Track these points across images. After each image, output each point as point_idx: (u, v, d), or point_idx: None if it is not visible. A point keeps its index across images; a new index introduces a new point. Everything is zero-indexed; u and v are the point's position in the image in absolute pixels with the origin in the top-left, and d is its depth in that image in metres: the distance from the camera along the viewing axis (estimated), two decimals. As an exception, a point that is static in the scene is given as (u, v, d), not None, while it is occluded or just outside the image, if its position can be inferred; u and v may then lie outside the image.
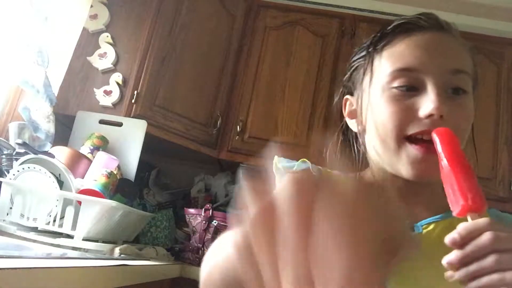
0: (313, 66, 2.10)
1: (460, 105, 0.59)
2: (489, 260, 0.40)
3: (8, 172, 1.31)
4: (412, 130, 0.57)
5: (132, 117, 1.74)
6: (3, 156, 1.37)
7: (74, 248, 1.21)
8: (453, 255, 0.42)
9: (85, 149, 1.60)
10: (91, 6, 1.86)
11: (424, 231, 0.60)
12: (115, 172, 1.47)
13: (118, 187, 1.48)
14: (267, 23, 2.19)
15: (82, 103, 1.78)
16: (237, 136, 2.02)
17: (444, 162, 0.50)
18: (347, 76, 0.71)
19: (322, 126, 2.04)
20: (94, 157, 1.56)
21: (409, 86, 0.59)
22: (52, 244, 1.19)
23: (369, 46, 0.66)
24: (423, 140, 0.57)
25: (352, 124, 0.69)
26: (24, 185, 1.26)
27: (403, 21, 0.63)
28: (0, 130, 1.57)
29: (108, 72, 1.80)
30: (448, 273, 0.43)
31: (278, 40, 2.16)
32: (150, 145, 1.77)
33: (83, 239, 1.24)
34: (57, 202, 1.26)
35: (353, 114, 0.69)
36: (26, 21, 1.51)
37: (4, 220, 1.25)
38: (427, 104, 0.57)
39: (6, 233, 1.19)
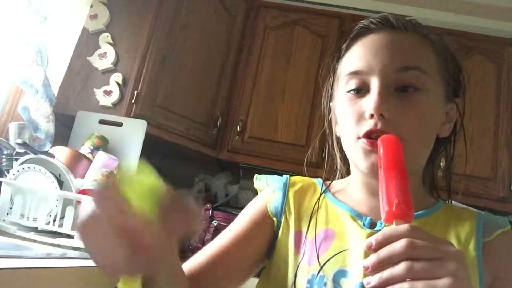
0: (313, 66, 2.10)
1: (409, 103, 0.57)
2: (401, 267, 0.38)
3: (8, 172, 1.31)
4: (361, 131, 0.57)
5: (132, 117, 1.74)
6: (3, 156, 1.37)
7: (74, 248, 1.21)
8: (368, 260, 0.41)
9: (85, 149, 1.60)
10: (91, 6, 1.86)
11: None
12: (115, 172, 1.47)
13: (118, 187, 1.47)
14: (267, 23, 2.19)
15: (82, 103, 1.78)
16: (237, 136, 2.02)
17: (380, 169, 0.50)
18: (324, 83, 0.74)
19: (322, 126, 2.03)
20: (94, 157, 1.55)
21: (358, 89, 0.60)
22: (52, 244, 1.18)
23: (334, 55, 0.69)
24: (376, 137, 0.57)
25: (336, 130, 0.71)
26: (24, 185, 1.26)
27: (358, 25, 0.65)
28: (0, 130, 1.57)
29: (108, 72, 1.80)
30: (365, 279, 0.41)
31: (278, 40, 2.16)
32: (150, 145, 1.77)
33: (83, 239, 1.24)
34: (57, 202, 1.26)
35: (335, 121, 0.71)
36: (25, 20, 1.51)
37: (4, 220, 1.25)
38: (368, 105, 0.57)
39: (6, 233, 1.19)
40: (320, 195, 0.66)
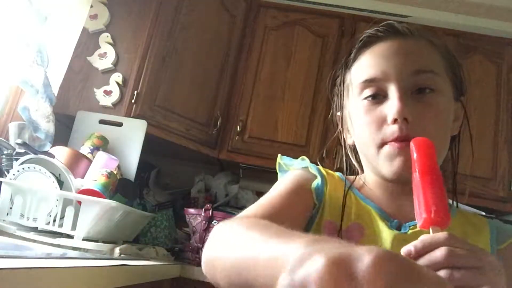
0: (313, 66, 2.10)
1: (428, 104, 0.59)
2: (441, 275, 0.38)
3: (8, 172, 1.31)
4: (386, 137, 0.58)
5: (132, 117, 1.74)
6: (3, 156, 1.37)
7: (74, 248, 1.21)
8: None
9: (85, 149, 1.60)
10: (91, 6, 1.85)
11: (410, 231, 0.60)
12: (115, 172, 1.47)
13: (118, 187, 1.47)
14: (267, 23, 2.19)
15: (82, 103, 1.78)
16: (237, 136, 2.02)
17: (415, 173, 0.50)
18: (333, 93, 0.74)
19: (322, 126, 2.04)
20: (94, 157, 1.56)
21: (375, 95, 0.61)
22: (52, 244, 1.19)
23: (342, 65, 0.69)
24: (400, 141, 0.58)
25: (348, 138, 0.71)
26: (24, 185, 1.26)
27: (365, 35, 0.66)
28: (0, 130, 1.57)
29: (108, 72, 1.80)
30: None
31: (278, 40, 2.16)
32: (150, 145, 1.77)
33: (83, 239, 1.24)
34: (57, 202, 1.26)
35: (346, 129, 0.71)
36: (25, 20, 1.51)
37: (4, 220, 1.25)
38: (390, 110, 0.58)
39: (6, 233, 1.19)
40: (349, 188, 0.67)
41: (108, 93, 1.77)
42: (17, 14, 1.49)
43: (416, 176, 0.50)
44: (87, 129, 1.70)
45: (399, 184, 0.62)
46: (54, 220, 1.25)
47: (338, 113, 0.72)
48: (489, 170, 2.02)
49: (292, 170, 0.70)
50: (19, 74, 1.48)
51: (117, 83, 1.78)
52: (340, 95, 0.71)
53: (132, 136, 1.71)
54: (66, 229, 1.24)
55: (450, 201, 0.69)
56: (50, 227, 1.25)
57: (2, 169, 1.35)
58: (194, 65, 1.95)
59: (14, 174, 1.28)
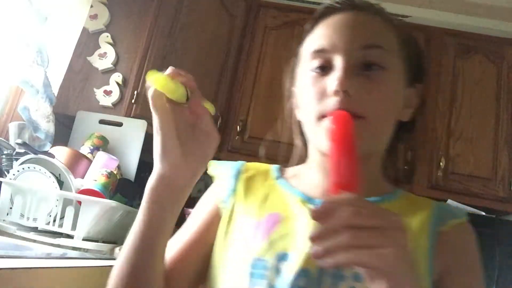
0: (313, 66, 2.10)
1: (373, 80, 0.57)
2: (345, 235, 0.38)
3: (8, 172, 1.31)
4: (324, 108, 0.56)
5: (132, 117, 1.74)
6: (3, 156, 1.37)
7: (74, 248, 1.21)
8: (314, 230, 0.40)
9: (85, 149, 1.60)
10: (91, 6, 1.86)
11: None
12: (115, 172, 1.47)
13: (118, 187, 1.47)
14: (267, 23, 2.19)
15: (82, 103, 1.78)
16: (237, 136, 2.02)
17: (329, 143, 0.51)
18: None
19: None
20: (94, 157, 1.56)
21: (322, 67, 0.59)
22: (52, 244, 1.19)
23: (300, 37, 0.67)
24: None
25: (297, 113, 0.69)
26: (24, 185, 1.26)
27: (323, 6, 0.64)
28: (0, 130, 1.57)
29: (108, 72, 1.80)
30: (312, 249, 0.40)
31: (278, 40, 2.16)
32: (150, 145, 1.76)
33: (83, 239, 1.24)
34: (57, 202, 1.26)
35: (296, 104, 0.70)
36: (25, 20, 1.51)
37: (4, 220, 1.25)
38: (332, 81, 0.56)
39: (6, 233, 1.19)
40: (272, 180, 0.66)
41: (108, 93, 1.77)
42: (17, 14, 1.49)
43: (330, 146, 0.50)
44: (87, 129, 1.70)
45: None
46: (54, 220, 1.25)
47: (293, 88, 0.71)
48: (489, 170, 2.02)
49: (211, 186, 0.71)
50: (19, 74, 1.48)
51: (117, 83, 1.78)
52: (294, 67, 0.69)
53: (132, 136, 1.71)
54: (66, 229, 1.24)
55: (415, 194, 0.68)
56: (50, 227, 1.25)
57: (2, 169, 1.35)
58: (194, 65, 1.95)
59: (14, 174, 1.28)
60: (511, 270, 1.78)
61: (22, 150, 1.37)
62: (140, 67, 1.80)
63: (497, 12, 2.22)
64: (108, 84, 1.78)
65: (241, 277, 0.55)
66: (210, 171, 0.71)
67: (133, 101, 1.75)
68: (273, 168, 0.71)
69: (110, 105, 1.76)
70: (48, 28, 1.61)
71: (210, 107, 0.55)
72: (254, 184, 0.66)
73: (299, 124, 0.69)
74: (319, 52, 0.59)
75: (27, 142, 1.45)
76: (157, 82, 0.49)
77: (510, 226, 1.84)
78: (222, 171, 0.70)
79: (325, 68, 0.59)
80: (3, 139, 1.42)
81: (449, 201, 1.91)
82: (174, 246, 0.62)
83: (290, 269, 0.54)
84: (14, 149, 1.40)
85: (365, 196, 0.59)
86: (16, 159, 1.33)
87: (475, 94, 2.13)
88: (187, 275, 0.62)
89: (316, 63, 0.59)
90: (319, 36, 0.61)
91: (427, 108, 2.14)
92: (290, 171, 0.70)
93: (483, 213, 1.89)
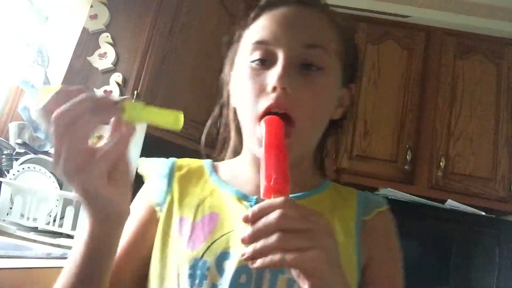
0: (313, 66, 2.10)
1: (311, 81, 0.57)
2: (273, 238, 0.39)
3: (8, 172, 1.31)
4: (261, 106, 0.56)
5: (132, 117, 1.74)
6: (3, 156, 1.37)
7: (74, 248, 1.21)
8: (245, 232, 0.41)
9: (85, 149, 1.60)
10: (91, 6, 1.85)
11: None
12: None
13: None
14: (267, 23, 2.19)
15: (82, 103, 1.78)
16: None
17: (262, 148, 0.51)
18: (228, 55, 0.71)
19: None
20: (94, 157, 1.55)
21: (262, 59, 0.58)
22: (52, 244, 1.19)
23: (241, 24, 0.66)
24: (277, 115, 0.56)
25: (232, 103, 0.68)
26: (24, 185, 1.26)
27: None
28: (0, 130, 1.57)
29: (108, 72, 1.80)
30: (242, 251, 0.41)
31: (278, 40, 2.16)
32: (150, 145, 1.77)
33: (83, 239, 1.24)
34: (57, 202, 1.26)
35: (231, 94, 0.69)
36: (26, 21, 1.51)
37: (4, 220, 1.25)
38: (272, 77, 0.55)
39: (6, 233, 1.19)
40: (208, 178, 0.66)
41: (108, 93, 1.77)
42: (18, 14, 1.49)
43: (262, 150, 0.51)
44: (87, 129, 1.69)
45: None
46: (54, 220, 1.25)
47: (227, 76, 0.70)
48: (489, 170, 2.02)
49: (144, 186, 0.68)
50: (19, 74, 1.48)
51: (117, 83, 1.78)
52: (234, 53, 0.67)
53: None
54: (66, 229, 1.24)
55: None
56: (50, 227, 1.25)
57: (2, 169, 1.35)
58: (194, 65, 1.95)
59: (14, 174, 1.28)
60: (511, 270, 1.77)
61: (22, 150, 1.37)
62: (140, 67, 1.79)
63: (497, 12, 2.22)
64: (108, 84, 1.78)
65: (181, 279, 0.55)
66: (140, 170, 0.69)
67: (133, 101, 1.75)
68: (206, 164, 0.70)
69: (110, 105, 1.76)
70: (49, 28, 1.61)
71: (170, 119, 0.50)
72: (189, 183, 0.65)
73: (234, 111, 0.68)
74: (260, 44, 0.59)
75: (27, 142, 1.45)
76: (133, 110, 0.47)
77: (510, 226, 1.84)
78: (153, 170, 0.68)
79: (265, 62, 0.58)
80: (3, 139, 1.42)
81: (449, 201, 1.91)
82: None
83: (232, 266, 0.54)
84: (14, 149, 1.40)
85: (297, 191, 0.60)
86: (16, 159, 1.33)
87: (475, 94, 2.13)
88: (127, 281, 0.60)
89: (257, 55, 0.58)
90: (262, 28, 0.60)
91: (427, 108, 2.14)
92: (224, 165, 0.69)
93: (483, 213, 1.89)
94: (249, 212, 0.41)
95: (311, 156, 0.66)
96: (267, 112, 0.55)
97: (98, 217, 0.48)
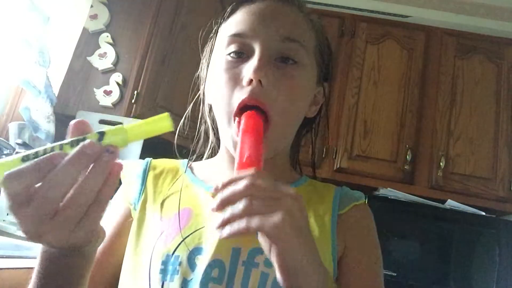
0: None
1: (287, 74, 0.57)
2: (240, 205, 0.39)
3: (8, 172, 1.31)
4: (236, 100, 0.55)
5: (132, 117, 1.74)
6: (3, 156, 1.37)
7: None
8: (214, 202, 0.41)
9: (85, 149, 1.60)
10: (91, 6, 1.86)
11: None
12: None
13: (118, 187, 1.47)
14: (267, 23, 2.19)
15: (82, 103, 1.78)
16: (237, 136, 2.02)
17: (238, 135, 0.52)
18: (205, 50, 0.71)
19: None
20: (94, 157, 1.55)
21: (239, 52, 0.58)
22: (52, 244, 1.18)
23: (218, 17, 0.67)
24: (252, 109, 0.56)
25: (208, 100, 0.68)
26: (24, 185, 1.26)
27: None
28: (0, 130, 1.57)
29: (108, 72, 1.80)
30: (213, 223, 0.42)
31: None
32: (150, 145, 1.77)
33: (83, 239, 1.24)
34: (57, 202, 1.26)
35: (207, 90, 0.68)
36: (28, 21, 1.51)
37: (4, 220, 1.25)
38: (247, 70, 0.55)
39: (6, 233, 1.19)
40: (182, 176, 0.66)
41: (108, 93, 1.77)
42: (20, 14, 1.49)
43: (238, 137, 0.51)
44: (87, 129, 1.69)
45: None
46: (54, 220, 1.25)
47: (203, 72, 0.69)
48: (489, 170, 2.02)
49: (120, 188, 0.67)
50: (21, 74, 1.48)
51: (117, 83, 1.78)
52: (211, 49, 0.67)
53: (132, 136, 1.71)
54: (66, 229, 1.24)
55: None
56: (50, 227, 1.25)
57: (2, 169, 1.35)
58: (194, 65, 1.95)
59: (14, 174, 1.28)
60: (511, 270, 1.77)
61: (22, 150, 1.37)
62: (140, 67, 1.80)
63: (497, 12, 2.22)
64: (108, 84, 1.78)
65: (152, 275, 0.55)
66: None
67: (133, 101, 1.75)
68: (182, 164, 0.70)
69: (110, 105, 1.76)
70: (50, 29, 1.61)
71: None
72: (163, 181, 0.65)
73: (210, 108, 0.68)
74: (237, 37, 0.59)
75: (27, 142, 1.45)
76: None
77: (510, 226, 1.84)
78: (128, 171, 0.67)
79: (241, 55, 0.58)
80: (3, 139, 1.42)
81: (449, 201, 1.91)
82: None
83: (204, 261, 0.54)
84: (14, 149, 1.40)
85: None
86: (16, 159, 1.33)
87: (475, 94, 2.13)
88: (101, 283, 0.60)
89: (233, 47, 0.58)
90: (240, 21, 0.60)
91: (427, 108, 2.14)
92: (200, 165, 0.70)
93: (483, 213, 1.89)
94: (219, 183, 0.41)
95: (286, 152, 0.67)
96: (242, 106, 0.55)
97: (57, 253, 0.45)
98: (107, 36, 1.82)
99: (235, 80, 0.57)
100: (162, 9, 1.88)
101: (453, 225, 1.84)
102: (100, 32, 1.84)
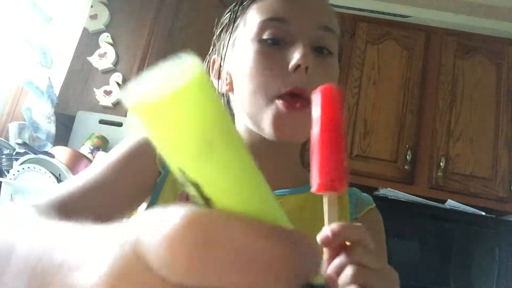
0: (313, 66, 2.10)
1: (325, 64, 0.55)
2: (348, 272, 0.38)
3: (8, 172, 1.31)
4: (281, 88, 0.52)
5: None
6: (3, 156, 1.37)
7: (74, 248, 1.21)
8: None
9: (85, 149, 1.60)
10: (91, 6, 1.86)
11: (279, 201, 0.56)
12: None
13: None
14: (267, 23, 2.19)
15: (82, 103, 1.78)
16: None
17: (316, 129, 0.42)
18: (216, 35, 0.68)
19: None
20: (94, 157, 1.56)
21: (277, 39, 0.54)
22: (52, 244, 1.18)
23: (239, 2, 0.63)
24: (295, 96, 0.53)
25: (219, 85, 0.64)
26: (24, 185, 1.26)
27: None
28: (0, 130, 1.57)
29: (108, 72, 1.80)
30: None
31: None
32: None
33: (83, 239, 1.24)
34: (57, 202, 1.26)
35: (219, 74, 0.64)
36: (30, 21, 1.51)
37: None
38: (295, 55, 0.52)
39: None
40: None
41: (108, 93, 1.77)
42: (22, 15, 1.49)
43: (316, 132, 0.42)
44: (87, 129, 1.70)
45: (275, 146, 0.57)
46: (54, 220, 1.25)
47: (216, 56, 0.66)
48: (489, 170, 2.02)
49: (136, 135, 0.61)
50: (24, 75, 1.48)
51: (117, 83, 1.78)
52: (230, 34, 0.62)
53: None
54: (66, 229, 1.24)
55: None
56: (50, 227, 1.25)
57: (2, 169, 1.35)
58: (194, 65, 1.95)
59: (14, 174, 1.28)
60: (511, 270, 1.77)
61: (22, 150, 1.37)
62: (140, 67, 1.80)
63: (497, 12, 2.22)
64: (108, 84, 1.78)
65: None
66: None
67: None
68: None
69: (110, 105, 1.76)
70: (52, 29, 1.62)
71: None
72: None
73: (222, 95, 0.64)
74: (275, 21, 0.55)
75: (27, 142, 1.45)
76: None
77: (510, 226, 1.84)
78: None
79: (278, 41, 0.54)
80: (3, 139, 1.42)
81: (449, 201, 1.91)
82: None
83: None
84: (14, 149, 1.40)
85: (290, 185, 0.59)
86: (16, 159, 1.33)
87: (475, 94, 2.13)
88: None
89: (271, 33, 0.54)
90: (276, 3, 0.56)
91: (427, 108, 2.14)
92: None
93: (483, 213, 1.89)
94: (329, 232, 0.39)
95: (298, 147, 0.64)
96: (291, 92, 0.52)
97: None
98: (107, 36, 1.82)
99: (276, 67, 0.53)
100: (162, 9, 1.88)
101: (453, 225, 1.84)
102: (100, 32, 1.84)
